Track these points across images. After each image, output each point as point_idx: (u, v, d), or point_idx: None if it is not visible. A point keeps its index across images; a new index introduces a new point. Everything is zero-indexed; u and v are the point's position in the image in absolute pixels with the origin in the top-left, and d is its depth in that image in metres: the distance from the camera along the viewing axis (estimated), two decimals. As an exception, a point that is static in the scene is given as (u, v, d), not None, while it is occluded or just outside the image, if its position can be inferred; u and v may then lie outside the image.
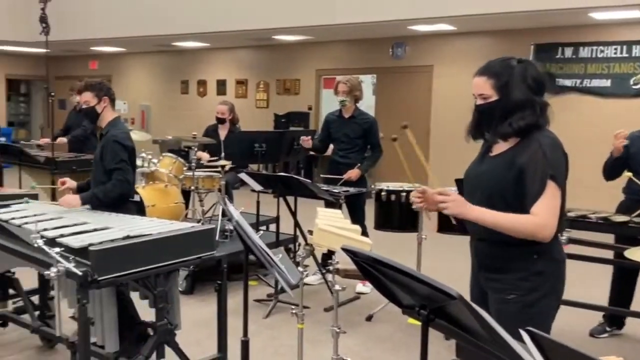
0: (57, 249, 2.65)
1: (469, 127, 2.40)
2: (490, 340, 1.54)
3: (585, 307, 4.16)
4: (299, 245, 5.54)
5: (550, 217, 2.17)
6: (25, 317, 3.90)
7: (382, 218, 4.56)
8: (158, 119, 13.80)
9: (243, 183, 5.60)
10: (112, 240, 2.79)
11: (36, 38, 11.09)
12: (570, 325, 4.19)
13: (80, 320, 2.67)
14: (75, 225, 3.15)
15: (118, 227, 3.08)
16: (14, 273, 3.88)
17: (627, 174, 3.88)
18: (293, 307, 3.06)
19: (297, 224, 5.10)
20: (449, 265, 5.19)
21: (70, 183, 3.93)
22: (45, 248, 2.65)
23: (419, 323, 1.77)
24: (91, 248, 2.65)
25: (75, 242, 2.78)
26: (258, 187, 4.96)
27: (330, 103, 10.71)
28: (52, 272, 2.57)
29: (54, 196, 5.02)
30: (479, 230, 2.28)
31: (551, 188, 2.17)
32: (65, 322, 3.11)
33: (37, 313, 3.90)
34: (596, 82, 8.42)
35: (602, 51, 8.35)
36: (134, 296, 3.19)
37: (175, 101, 13.47)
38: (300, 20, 9.10)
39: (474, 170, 2.42)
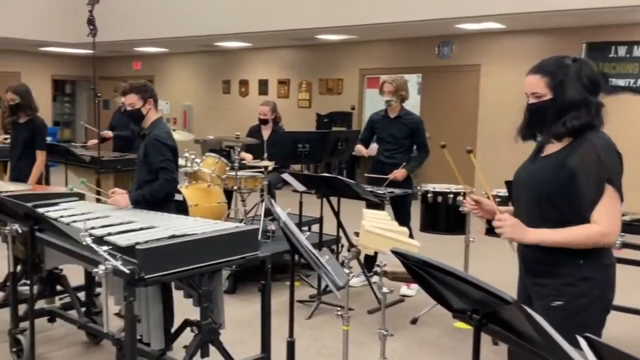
0: (105, 247, 2.72)
1: (520, 128, 2.37)
2: (545, 346, 1.53)
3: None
4: (342, 246, 5.56)
5: (613, 223, 2.13)
6: (72, 313, 4.01)
7: (429, 220, 4.53)
8: (200, 118, 14.00)
9: (285, 183, 5.64)
10: (158, 239, 2.86)
11: (82, 39, 11.40)
12: (623, 333, 4.09)
13: (127, 318, 2.74)
14: (122, 224, 3.23)
15: (164, 226, 3.15)
16: (61, 270, 4.00)
17: None
18: (338, 308, 3.07)
19: (340, 225, 5.11)
20: (496, 269, 5.12)
21: (119, 191, 4.00)
22: (94, 246, 2.72)
23: (466, 327, 1.76)
24: (138, 247, 2.71)
25: (123, 240, 2.85)
26: (301, 188, 4.99)
27: (373, 103, 10.70)
28: (100, 269, 2.64)
29: (98, 194, 5.15)
30: None
31: (609, 192, 2.12)
32: (111, 319, 3.20)
33: (83, 309, 4.01)
34: (651, 82, 8.20)
35: (657, 50, 8.13)
36: (178, 295, 3.25)
37: (216, 101, 13.64)
38: (344, 19, 9.10)
39: (524, 171, 2.39)
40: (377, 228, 2.87)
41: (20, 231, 3.35)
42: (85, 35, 5.77)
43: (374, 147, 5.59)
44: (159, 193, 3.71)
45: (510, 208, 2.46)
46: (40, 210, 3.44)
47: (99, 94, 5.62)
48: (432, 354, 4.06)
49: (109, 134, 7.14)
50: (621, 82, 8.36)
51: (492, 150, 9.57)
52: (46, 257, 3.52)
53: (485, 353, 3.72)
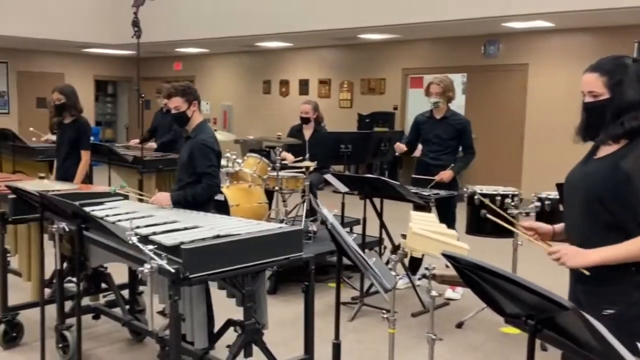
0: (151, 247, 2.76)
1: (579, 128, 2.33)
2: (602, 353, 1.50)
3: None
4: (385, 248, 5.54)
5: None
6: (116, 311, 4.11)
7: (475, 222, 4.48)
8: (240, 119, 14.15)
9: (327, 183, 5.66)
10: (203, 239, 2.90)
11: (124, 40, 11.67)
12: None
13: (171, 317, 2.78)
14: (166, 223, 3.29)
15: (208, 226, 3.19)
16: (106, 268, 4.10)
17: None
18: (384, 311, 3.06)
19: (383, 226, 5.10)
20: (544, 273, 5.03)
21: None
22: (140, 245, 2.77)
23: (514, 332, 1.75)
24: (183, 246, 2.76)
25: (168, 240, 2.90)
26: (343, 189, 5.00)
27: (416, 103, 10.65)
28: (145, 268, 2.69)
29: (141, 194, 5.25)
30: (575, 239, 2.23)
31: None
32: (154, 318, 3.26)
33: (127, 307, 4.09)
34: None
35: None
36: (221, 294, 3.29)
37: (257, 101, 13.76)
38: (387, 18, 9.08)
39: (576, 173, 2.35)
40: (425, 230, 2.86)
41: (67, 229, 3.43)
42: (127, 36, 5.89)
43: (419, 147, 5.56)
44: (201, 197, 3.79)
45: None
46: (87, 209, 3.53)
47: (142, 95, 5.72)
48: (478, 359, 4.02)
49: (153, 146, 7.30)
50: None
51: (541, 151, 9.42)
52: (92, 255, 3.60)
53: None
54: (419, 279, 5.10)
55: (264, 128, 12.75)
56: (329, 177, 5.05)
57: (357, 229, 5.80)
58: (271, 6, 10.26)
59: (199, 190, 3.79)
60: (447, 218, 5.01)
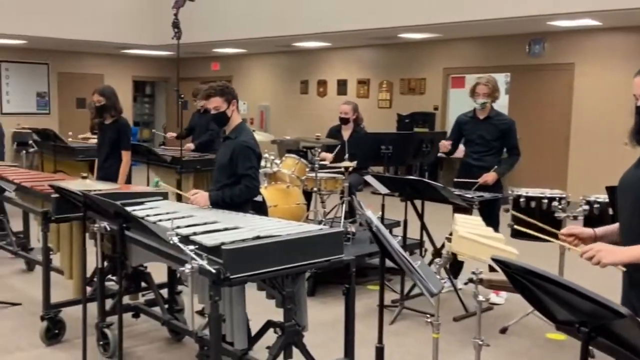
0: (191, 247, 2.80)
1: (632, 132, 2.28)
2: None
3: None
4: (425, 250, 5.51)
5: None
6: (156, 310, 4.18)
7: (521, 226, 4.41)
8: (276, 119, 14.23)
9: (366, 184, 5.64)
10: (243, 240, 2.92)
11: (162, 41, 11.84)
12: None
13: (212, 317, 2.81)
14: (206, 223, 3.32)
15: (248, 227, 3.21)
16: (146, 267, 4.17)
17: None
18: (428, 316, 3.04)
19: (424, 229, 5.07)
20: (593, 279, 4.93)
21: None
22: (181, 245, 2.80)
23: (560, 338, 1.72)
24: (224, 247, 2.78)
25: (208, 240, 2.93)
26: (384, 190, 4.98)
27: (458, 103, 10.55)
28: (186, 268, 2.72)
29: (179, 196, 5.32)
30: (627, 242, 2.19)
31: None
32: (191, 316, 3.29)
33: (166, 306, 4.15)
34: None
35: None
36: (260, 295, 3.31)
37: (294, 101, 13.82)
38: (429, 18, 9.01)
39: (629, 176, 2.32)
40: (472, 234, 2.82)
41: (108, 229, 3.50)
42: (166, 37, 5.97)
43: (461, 149, 5.51)
44: (239, 198, 3.82)
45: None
46: (128, 209, 3.59)
47: (182, 95, 5.81)
48: (524, 366, 3.97)
49: (191, 146, 7.39)
50: None
51: (587, 153, 9.24)
52: (132, 254, 3.66)
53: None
54: (465, 284, 5.04)
55: (301, 128, 12.79)
56: (369, 178, 5.04)
57: (397, 230, 5.77)
58: (309, 6, 10.29)
59: (237, 191, 3.82)
60: (491, 221, 4.94)
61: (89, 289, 4.35)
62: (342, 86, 12.85)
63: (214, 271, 2.68)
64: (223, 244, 2.83)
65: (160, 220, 3.41)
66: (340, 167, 5.66)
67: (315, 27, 10.38)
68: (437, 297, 2.94)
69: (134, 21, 12.60)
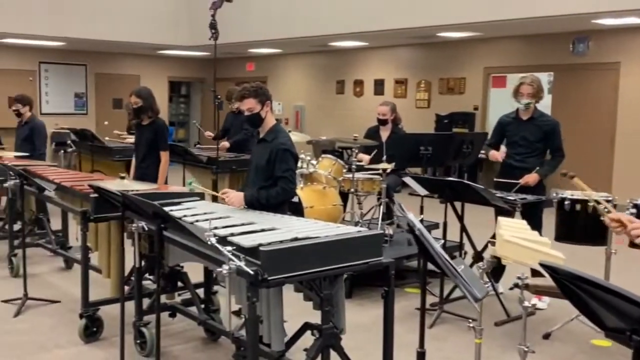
0: (229, 248, 2.82)
1: None
2: None
3: None
4: (465, 253, 5.45)
5: None
6: (192, 310, 4.23)
7: (565, 229, 4.35)
8: (312, 119, 14.25)
9: (404, 185, 5.61)
10: (281, 242, 2.93)
11: (198, 42, 11.96)
12: None
13: (249, 318, 2.82)
14: (243, 224, 3.34)
15: (285, 228, 3.23)
16: (182, 267, 4.22)
17: None
18: (469, 320, 3.01)
19: (464, 231, 5.02)
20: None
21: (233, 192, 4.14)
22: (218, 246, 2.83)
23: (605, 344, 1.68)
24: (261, 248, 2.80)
25: (246, 241, 2.94)
26: (423, 192, 4.95)
27: (498, 103, 10.43)
28: (224, 269, 2.74)
29: (214, 196, 5.37)
30: None
31: None
32: (226, 316, 3.32)
33: (202, 306, 4.19)
34: None
35: None
36: (298, 297, 3.32)
37: (330, 101, 13.82)
38: (470, 16, 8.92)
39: None
40: (517, 238, 2.78)
41: (146, 228, 3.55)
42: (202, 38, 6.02)
43: (502, 150, 5.44)
44: (275, 200, 3.84)
45: None
46: (165, 209, 3.63)
47: (218, 96, 5.87)
48: (568, 373, 3.90)
49: (226, 145, 7.46)
50: None
51: (633, 155, 9.04)
52: (169, 254, 3.71)
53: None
54: (510, 289, 4.97)
55: (336, 129, 12.80)
56: (408, 179, 5.01)
57: (435, 233, 5.73)
58: (346, 5, 10.28)
59: (274, 193, 3.84)
60: (534, 224, 4.86)
61: (126, 287, 4.42)
62: (379, 86, 12.81)
63: (252, 272, 2.69)
64: (261, 245, 2.84)
65: (197, 221, 3.44)
66: (377, 169, 5.65)
67: (352, 27, 10.36)
68: (480, 302, 2.91)
69: (171, 22, 12.78)
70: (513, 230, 2.99)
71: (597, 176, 9.14)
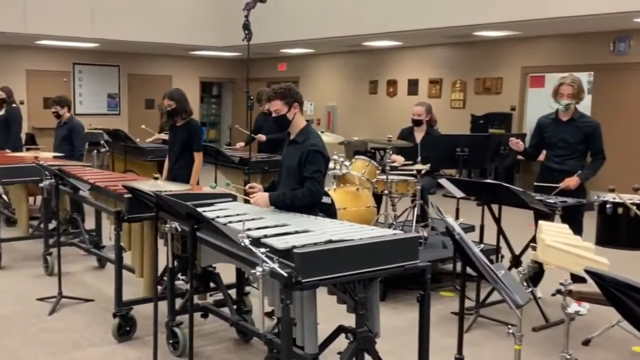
0: (263, 249, 2.83)
1: None
2: None
3: None
4: (502, 256, 5.39)
5: None
6: (224, 310, 4.26)
7: (607, 233, 4.26)
8: (344, 119, 14.24)
9: (438, 187, 5.56)
10: (315, 244, 2.92)
11: (230, 42, 12.04)
12: None
13: (283, 321, 2.83)
14: (277, 226, 3.35)
15: (319, 230, 3.22)
16: (215, 268, 4.25)
17: None
18: (508, 326, 2.97)
19: (501, 234, 4.96)
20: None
21: (259, 188, 4.14)
22: (252, 248, 2.83)
23: None
24: (295, 250, 2.80)
25: (280, 243, 2.94)
26: (459, 194, 4.90)
27: (536, 103, 10.29)
28: (257, 271, 2.75)
29: (246, 194, 5.40)
30: None
31: None
32: (258, 318, 3.32)
33: (234, 307, 4.22)
34: None
35: None
36: (332, 300, 3.31)
37: (362, 102, 13.79)
38: (508, 15, 8.82)
39: None
40: (559, 243, 2.73)
41: (179, 229, 3.58)
42: (234, 39, 6.05)
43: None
44: (300, 201, 3.80)
45: None
46: (198, 210, 3.66)
47: (251, 97, 5.89)
48: (609, 381, 3.83)
49: (263, 138, 7.48)
50: None
51: (677, 158, 8.83)
52: (202, 255, 3.74)
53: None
54: (553, 295, 4.89)
55: (369, 129, 12.76)
56: (443, 181, 4.96)
57: (471, 235, 5.67)
58: (381, 5, 10.24)
59: (300, 194, 3.80)
60: (574, 228, 4.78)
61: (159, 287, 4.47)
62: (412, 86, 12.74)
63: (285, 275, 2.69)
64: (295, 247, 2.84)
65: (230, 222, 3.46)
66: (412, 170, 5.61)
67: (387, 27, 10.32)
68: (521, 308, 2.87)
69: (203, 23, 12.91)
70: (555, 234, 2.94)
71: (638, 178, 8.94)
